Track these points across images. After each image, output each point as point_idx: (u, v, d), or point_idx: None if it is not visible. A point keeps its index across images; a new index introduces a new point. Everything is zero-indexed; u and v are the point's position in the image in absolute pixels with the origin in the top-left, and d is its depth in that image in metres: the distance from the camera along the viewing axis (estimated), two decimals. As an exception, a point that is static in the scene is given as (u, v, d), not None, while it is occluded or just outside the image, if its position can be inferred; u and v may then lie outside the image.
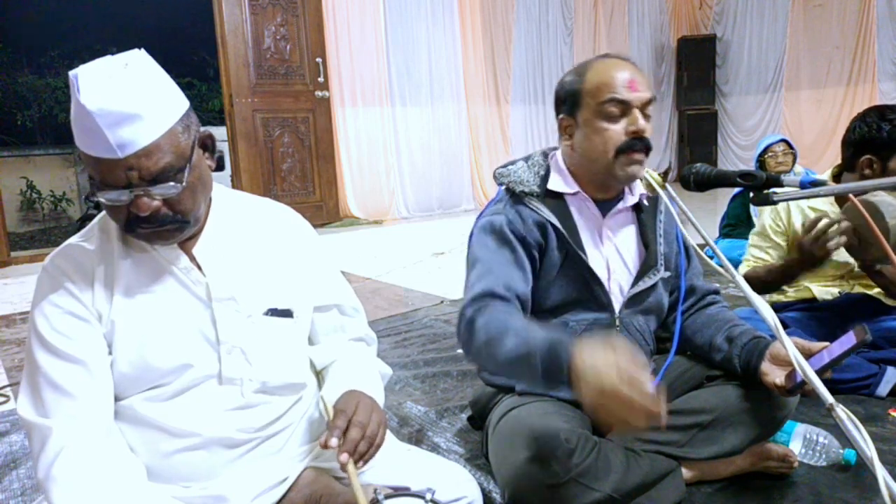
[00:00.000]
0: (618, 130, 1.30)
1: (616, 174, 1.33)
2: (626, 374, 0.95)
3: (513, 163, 1.47)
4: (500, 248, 1.35)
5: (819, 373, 1.17)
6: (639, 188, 1.43)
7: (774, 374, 1.30)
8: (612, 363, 0.98)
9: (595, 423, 1.08)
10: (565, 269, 1.38)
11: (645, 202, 1.45)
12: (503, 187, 1.44)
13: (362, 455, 0.98)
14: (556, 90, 1.42)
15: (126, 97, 0.90)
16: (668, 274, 1.46)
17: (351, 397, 1.05)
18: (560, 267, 1.38)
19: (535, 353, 1.09)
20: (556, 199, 1.40)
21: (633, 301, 1.42)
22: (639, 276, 1.42)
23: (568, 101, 1.37)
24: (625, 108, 1.30)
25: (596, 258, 1.40)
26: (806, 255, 1.73)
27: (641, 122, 1.30)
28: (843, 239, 1.65)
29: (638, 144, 1.30)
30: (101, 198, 0.93)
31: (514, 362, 1.15)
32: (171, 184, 0.94)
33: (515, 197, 1.40)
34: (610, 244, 1.42)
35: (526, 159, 1.46)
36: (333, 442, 0.96)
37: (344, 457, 0.95)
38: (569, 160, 1.42)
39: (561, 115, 1.40)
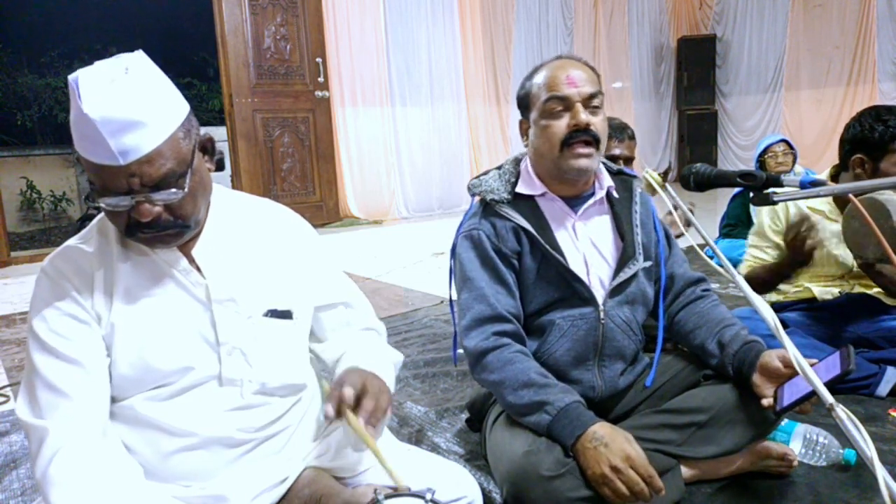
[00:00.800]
0: (560, 126, 1.37)
1: (563, 168, 1.38)
2: (629, 459, 1.15)
3: (486, 173, 1.51)
4: (484, 266, 1.42)
5: (804, 399, 1.18)
6: (607, 180, 1.47)
7: (764, 389, 1.31)
8: (619, 448, 1.16)
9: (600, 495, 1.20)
10: (543, 270, 1.41)
11: (615, 194, 1.47)
12: (476, 198, 1.49)
13: (369, 412, 0.98)
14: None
15: (128, 104, 0.89)
16: (648, 263, 1.48)
17: (350, 372, 1.06)
18: (538, 269, 1.41)
19: (549, 411, 1.26)
20: (527, 202, 1.44)
21: (615, 292, 1.44)
22: (618, 268, 1.44)
23: (522, 105, 1.46)
24: (566, 104, 1.35)
25: (573, 255, 1.42)
26: (793, 252, 1.86)
27: (582, 115, 1.35)
28: (816, 235, 1.81)
29: (580, 136, 1.35)
30: (102, 203, 0.93)
31: (523, 411, 1.30)
32: (173, 190, 0.94)
33: (488, 207, 1.45)
34: (585, 239, 1.45)
35: (498, 167, 1.52)
36: (329, 410, 0.97)
37: (348, 391, 0.97)
38: (530, 161, 1.48)
39: (520, 120, 1.48)
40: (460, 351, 1.47)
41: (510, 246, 1.42)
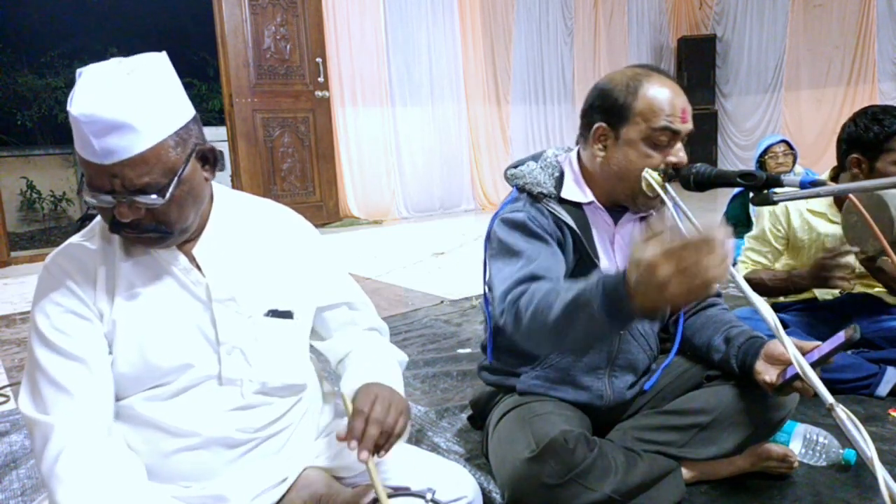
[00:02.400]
0: (658, 158, 1.28)
1: (638, 199, 1.31)
2: (681, 255, 0.84)
3: (522, 163, 1.43)
4: (531, 240, 1.30)
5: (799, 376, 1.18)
6: None
7: (767, 373, 1.30)
8: (663, 255, 0.84)
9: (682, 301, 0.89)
10: (576, 274, 1.36)
11: (654, 212, 1.43)
12: (517, 188, 1.41)
13: (381, 448, 0.99)
14: (594, 95, 1.35)
15: (116, 106, 0.89)
16: None
17: (368, 393, 1.05)
18: (572, 271, 1.37)
19: (589, 294, 0.99)
20: (571, 205, 1.37)
21: None
22: None
23: (612, 113, 1.30)
24: (672, 137, 1.28)
25: (607, 266, 1.38)
26: (819, 275, 1.87)
27: (683, 154, 1.29)
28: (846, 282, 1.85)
29: (672, 174, 1.28)
30: (87, 198, 0.94)
31: (569, 317, 1.04)
32: (154, 196, 0.93)
33: (533, 197, 1.37)
34: (621, 253, 1.41)
35: (536, 159, 1.43)
36: (353, 444, 0.97)
37: (364, 454, 0.96)
38: (591, 168, 1.37)
39: (599, 124, 1.32)
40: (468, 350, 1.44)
41: (556, 234, 1.33)
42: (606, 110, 1.31)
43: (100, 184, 0.92)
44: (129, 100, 0.90)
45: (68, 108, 0.89)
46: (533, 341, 1.20)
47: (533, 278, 1.21)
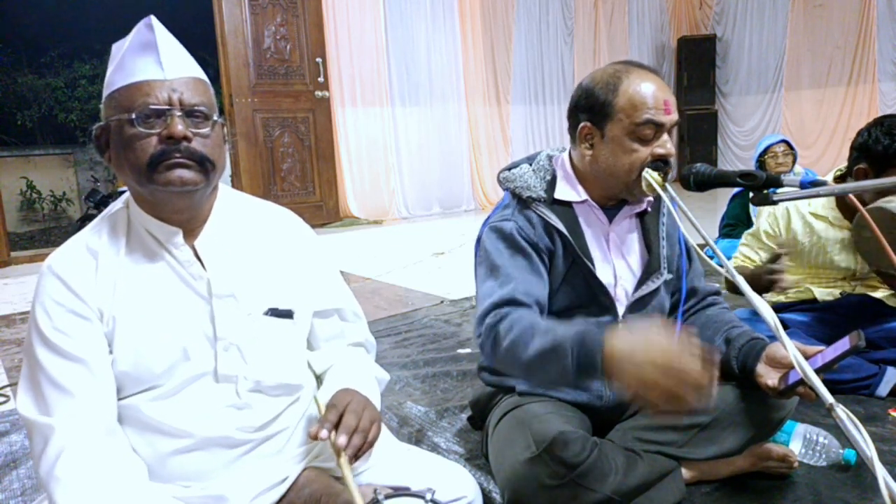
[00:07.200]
0: (645, 152, 1.28)
1: (634, 189, 1.31)
2: (668, 351, 0.96)
3: (516, 165, 1.44)
4: (515, 255, 1.32)
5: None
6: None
7: (768, 376, 1.30)
8: (652, 342, 0.98)
9: (641, 407, 1.02)
10: (570, 276, 1.37)
11: (649, 209, 1.43)
12: (509, 192, 1.42)
13: (357, 449, 0.98)
14: (578, 94, 1.35)
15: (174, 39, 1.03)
16: (670, 276, 1.45)
17: (344, 394, 1.06)
18: (565, 274, 1.37)
19: (566, 347, 1.08)
20: (563, 206, 1.37)
21: (636, 304, 1.41)
22: (642, 280, 1.41)
23: (595, 111, 1.31)
24: (657, 130, 1.27)
25: (603, 265, 1.38)
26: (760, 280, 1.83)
27: (670, 145, 1.28)
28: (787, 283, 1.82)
29: (662, 167, 1.28)
30: (137, 125, 0.95)
31: (543, 360, 1.12)
32: (204, 108, 1.00)
33: (522, 202, 1.38)
34: (616, 250, 1.41)
35: (530, 161, 1.43)
36: (323, 434, 0.96)
37: (342, 439, 0.96)
38: (582, 167, 1.38)
39: (584, 123, 1.33)
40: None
41: (544, 242, 1.35)
42: (590, 109, 1.32)
43: (157, 98, 0.96)
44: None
45: (147, 20, 0.99)
46: (505, 367, 1.29)
47: (512, 302, 1.24)
